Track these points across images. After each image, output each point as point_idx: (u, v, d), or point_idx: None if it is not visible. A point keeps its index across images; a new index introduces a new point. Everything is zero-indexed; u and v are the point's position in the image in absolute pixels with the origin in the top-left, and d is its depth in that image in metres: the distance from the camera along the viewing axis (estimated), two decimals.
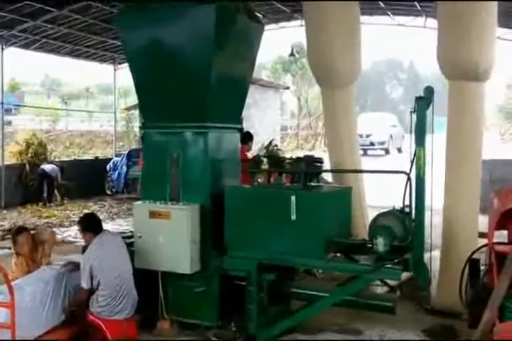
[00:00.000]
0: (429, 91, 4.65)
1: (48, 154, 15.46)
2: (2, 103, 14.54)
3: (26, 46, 14.71)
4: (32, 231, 5.51)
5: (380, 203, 6.62)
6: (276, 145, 10.48)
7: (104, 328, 4.69)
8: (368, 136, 24.49)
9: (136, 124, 21.31)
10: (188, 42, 5.09)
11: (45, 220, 11.79)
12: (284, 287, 5.25)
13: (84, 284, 4.70)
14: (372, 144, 25.09)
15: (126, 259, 4.94)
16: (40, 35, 13.97)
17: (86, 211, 12.67)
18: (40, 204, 13.69)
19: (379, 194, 9.87)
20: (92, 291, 4.73)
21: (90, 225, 5.01)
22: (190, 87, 5.15)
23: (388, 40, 72.44)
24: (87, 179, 13.10)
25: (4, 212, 12.71)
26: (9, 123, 23.78)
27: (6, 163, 14.13)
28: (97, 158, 18.71)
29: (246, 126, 6.07)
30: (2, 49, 13.82)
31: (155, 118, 5.47)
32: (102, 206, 13.93)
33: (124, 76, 17.26)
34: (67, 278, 4.82)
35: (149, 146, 5.59)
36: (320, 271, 6.70)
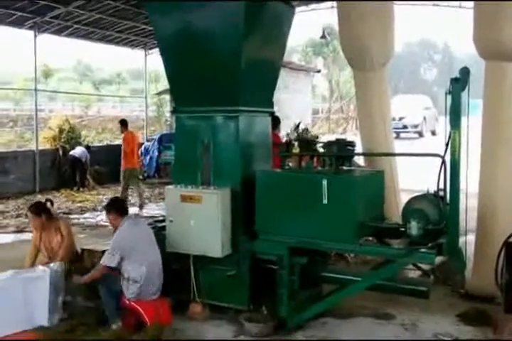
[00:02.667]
0: (465, 72, 4.53)
1: (79, 139, 15.70)
2: (36, 89, 14.77)
3: (58, 32, 14.84)
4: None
5: (414, 187, 6.51)
6: (306, 129, 10.42)
7: (141, 311, 4.78)
8: (400, 118, 24.09)
9: (167, 109, 21.43)
10: (219, 26, 5.06)
11: (79, 204, 12.00)
12: (315, 271, 5.24)
13: (113, 263, 4.82)
14: (405, 127, 24.68)
15: (154, 241, 5.06)
16: (71, 21, 14.07)
17: (117, 195, 12.85)
18: (74, 188, 13.93)
19: (412, 178, 9.74)
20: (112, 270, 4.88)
21: (117, 208, 5.16)
22: (221, 70, 5.12)
23: (422, 21, 70.88)
24: (119, 164, 13.22)
25: (39, 196, 12.96)
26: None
27: (40, 148, 14.39)
28: None
29: (276, 110, 6.02)
30: (35, 36, 13.99)
31: (186, 103, 5.46)
32: (133, 190, 14.06)
33: (154, 61, 17.32)
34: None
35: (180, 131, 5.60)
36: (352, 255, 6.67)
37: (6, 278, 4.47)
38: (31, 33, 13.99)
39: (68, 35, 15.35)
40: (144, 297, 4.81)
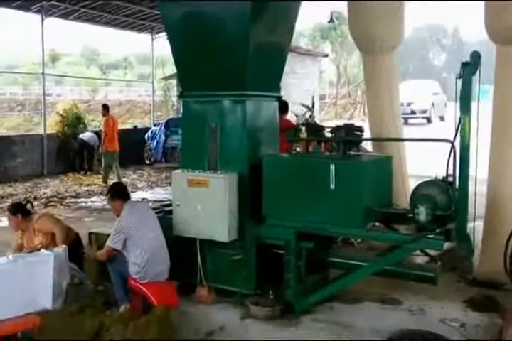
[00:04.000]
0: (476, 56, 4.46)
1: (86, 124, 15.72)
2: (43, 73, 14.76)
3: (65, 16, 14.81)
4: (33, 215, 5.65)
5: (422, 173, 6.48)
6: (310, 116, 10.32)
7: (148, 293, 4.80)
8: (409, 104, 23.90)
9: (174, 94, 21.39)
10: (227, 10, 5.01)
11: (86, 188, 12.03)
12: (322, 256, 5.23)
13: (118, 245, 4.89)
14: (413, 113, 24.51)
15: (158, 223, 5.11)
16: (78, 4, 14.00)
17: (125, 179, 12.93)
18: (81, 172, 13.97)
19: (421, 163, 9.69)
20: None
21: (119, 193, 5.22)
22: (229, 55, 5.09)
23: (431, 5, 69.97)
24: (125, 148, 13.29)
25: (47, 179, 13.03)
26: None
27: (48, 132, 14.42)
28: (135, 127, 18.93)
29: (283, 94, 5.98)
30: (42, 19, 13.94)
31: (193, 88, 5.43)
32: (140, 175, 14.13)
33: (161, 45, 17.25)
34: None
35: (187, 115, 5.57)
36: (359, 240, 6.66)
37: (9, 261, 4.42)
38: (38, 16, 13.94)
39: (75, 19, 15.32)
40: (149, 278, 4.85)
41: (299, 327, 4.76)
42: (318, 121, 9.99)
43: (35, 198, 10.72)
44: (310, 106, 10.73)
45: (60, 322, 4.55)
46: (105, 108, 13.04)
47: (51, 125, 15.15)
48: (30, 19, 14.34)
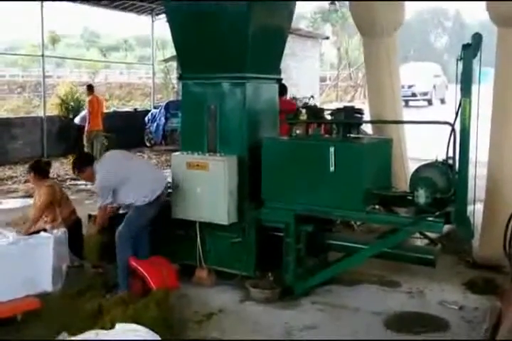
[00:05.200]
0: (478, 38, 4.41)
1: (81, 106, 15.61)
2: (43, 55, 14.67)
3: None
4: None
5: (422, 156, 6.46)
6: (310, 97, 10.27)
7: (147, 276, 4.82)
8: (410, 86, 23.80)
9: (174, 76, 21.25)
10: None
11: None
12: (321, 239, 5.24)
13: (108, 199, 4.95)
14: (414, 95, 24.42)
15: (132, 154, 5.34)
16: None
17: None
18: None
19: (421, 146, 9.65)
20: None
21: (86, 160, 5.27)
22: (229, 36, 5.04)
23: None
24: (126, 131, 13.27)
25: None
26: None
27: (48, 114, 14.37)
28: (135, 110, 18.82)
29: (283, 77, 5.94)
30: (42, 1, 13.80)
31: (193, 70, 5.39)
32: (140, 157, 14.07)
33: (161, 27, 17.08)
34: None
35: (187, 97, 5.53)
36: (358, 223, 6.67)
37: (9, 243, 4.47)
38: None
39: (75, 1, 15.14)
40: (143, 200, 4.92)
41: (298, 310, 4.79)
42: (318, 104, 9.92)
43: None
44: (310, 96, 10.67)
45: (60, 304, 4.56)
46: (89, 88, 13.28)
47: (51, 107, 15.09)
48: (29, 1, 14.20)
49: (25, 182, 10.65)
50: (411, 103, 24.14)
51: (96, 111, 12.89)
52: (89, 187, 10.24)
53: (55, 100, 15.54)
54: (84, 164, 5.18)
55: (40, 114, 14.66)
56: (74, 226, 5.56)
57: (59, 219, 5.57)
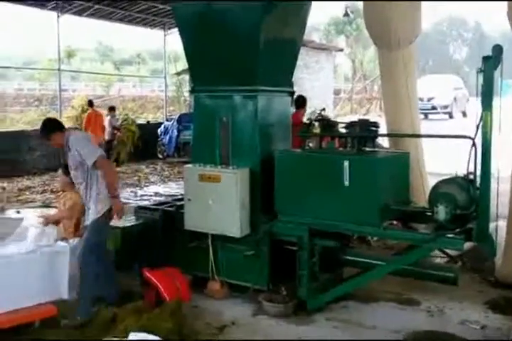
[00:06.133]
0: (498, 50, 4.29)
1: None
2: (59, 69, 14.82)
3: (80, 13, 14.88)
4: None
5: (442, 170, 6.30)
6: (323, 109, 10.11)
7: (160, 287, 4.78)
8: (429, 99, 23.54)
9: (187, 89, 21.31)
10: (238, 5, 4.93)
11: None
12: (336, 254, 5.11)
13: (101, 151, 4.76)
14: (434, 108, 24.07)
15: None
16: (92, 1, 14.03)
17: (139, 174, 12.97)
18: None
19: (441, 161, 9.48)
20: None
21: (56, 125, 4.92)
22: (240, 49, 5.01)
23: None
24: (139, 143, 13.37)
25: None
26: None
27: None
28: (148, 122, 18.88)
29: (297, 90, 5.87)
30: (58, 16, 14.03)
31: (204, 82, 5.36)
32: (153, 169, 14.12)
33: (174, 41, 17.18)
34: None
35: (199, 110, 5.49)
36: (375, 238, 6.52)
37: (28, 251, 4.60)
38: (54, 13, 14.05)
39: (89, 16, 15.36)
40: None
41: (312, 325, 4.67)
42: (332, 117, 9.82)
43: (51, 191, 10.81)
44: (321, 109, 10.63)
45: (75, 312, 4.61)
46: (89, 103, 14.48)
47: (67, 120, 15.23)
48: (46, 16, 14.47)
49: (43, 192, 10.78)
50: (431, 116, 23.80)
51: (94, 124, 13.71)
52: None
53: (71, 112, 15.69)
54: (53, 129, 4.83)
55: None
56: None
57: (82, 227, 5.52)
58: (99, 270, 4.73)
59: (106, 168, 4.72)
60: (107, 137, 14.24)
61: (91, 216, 4.71)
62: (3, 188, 9.56)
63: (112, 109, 14.96)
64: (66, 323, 4.53)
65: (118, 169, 13.86)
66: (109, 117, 14.51)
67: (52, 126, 4.90)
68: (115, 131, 14.64)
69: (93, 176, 4.71)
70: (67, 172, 5.56)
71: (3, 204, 9.16)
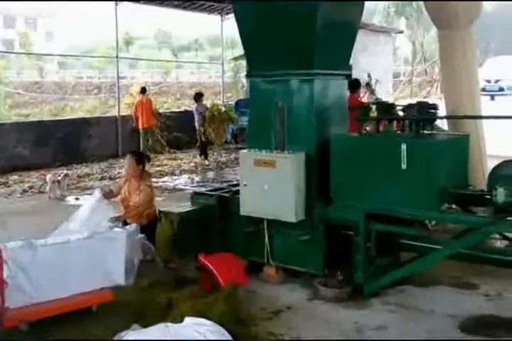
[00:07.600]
0: None
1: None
2: (117, 57, 15.11)
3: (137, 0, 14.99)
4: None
5: (503, 152, 6.13)
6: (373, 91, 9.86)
7: (215, 273, 4.81)
8: (496, 81, 22.97)
9: (243, 74, 21.36)
10: None
11: (157, 168, 12.27)
12: (393, 238, 5.08)
13: None
14: (501, 90, 23.47)
15: None
16: None
17: (195, 160, 13.16)
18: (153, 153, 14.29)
19: (502, 143, 9.18)
20: None
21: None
22: (296, 32, 4.98)
23: None
24: (195, 129, 13.50)
25: (121, 160, 13.35)
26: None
27: (122, 114, 14.81)
28: (206, 108, 19.02)
29: (355, 73, 5.80)
30: (116, 4, 14.20)
31: (260, 67, 5.36)
32: (210, 155, 14.25)
33: (231, 27, 17.19)
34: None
35: (255, 95, 5.52)
36: (433, 222, 6.43)
37: (85, 237, 4.64)
38: (112, 2, 14.24)
39: (147, 3, 15.48)
40: None
41: (369, 309, 4.67)
42: (391, 99, 9.67)
43: (110, 178, 11.12)
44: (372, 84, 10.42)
45: (132, 297, 4.70)
46: (142, 90, 14.67)
47: (125, 107, 15.54)
48: (104, 4, 14.65)
49: (101, 179, 11.07)
50: (498, 98, 23.15)
51: (143, 110, 14.07)
52: (160, 184, 10.48)
53: (129, 100, 15.97)
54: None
55: (115, 113, 15.11)
56: (154, 221, 5.71)
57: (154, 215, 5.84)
58: None
59: None
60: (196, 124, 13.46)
61: None
62: (66, 175, 9.83)
63: (199, 95, 13.96)
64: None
65: (174, 156, 14.11)
66: (195, 105, 13.74)
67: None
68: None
69: None
70: (139, 161, 5.86)
71: (63, 191, 9.43)
